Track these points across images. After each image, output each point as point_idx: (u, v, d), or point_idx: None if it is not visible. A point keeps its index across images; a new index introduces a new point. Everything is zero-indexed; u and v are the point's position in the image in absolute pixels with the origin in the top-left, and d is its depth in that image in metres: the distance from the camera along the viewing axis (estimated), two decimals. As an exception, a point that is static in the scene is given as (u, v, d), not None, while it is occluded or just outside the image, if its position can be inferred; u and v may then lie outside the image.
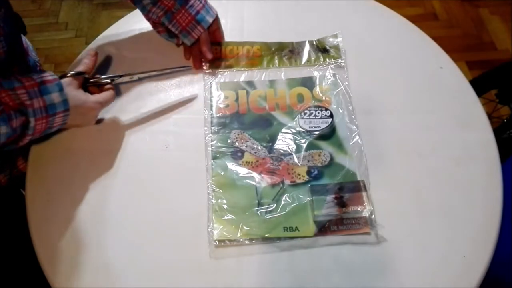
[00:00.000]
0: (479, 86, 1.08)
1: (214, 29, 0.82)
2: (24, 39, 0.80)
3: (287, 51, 0.84)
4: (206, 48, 0.79)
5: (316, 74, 0.81)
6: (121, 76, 0.76)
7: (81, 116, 0.70)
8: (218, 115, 0.76)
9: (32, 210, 0.66)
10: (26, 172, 0.70)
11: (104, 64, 0.82)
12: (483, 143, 0.73)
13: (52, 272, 0.61)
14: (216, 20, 0.81)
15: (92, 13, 2.04)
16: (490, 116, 0.81)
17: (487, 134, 0.74)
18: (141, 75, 0.78)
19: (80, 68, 0.73)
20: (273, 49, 0.84)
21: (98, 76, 0.76)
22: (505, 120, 1.22)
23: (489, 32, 1.93)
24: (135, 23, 0.84)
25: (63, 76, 0.69)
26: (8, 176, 0.75)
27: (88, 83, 0.73)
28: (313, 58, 0.83)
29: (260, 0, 0.93)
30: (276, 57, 0.83)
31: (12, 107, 0.59)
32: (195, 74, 0.81)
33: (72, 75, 0.70)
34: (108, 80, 0.75)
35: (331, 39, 0.85)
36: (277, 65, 0.82)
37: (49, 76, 0.63)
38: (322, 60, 0.83)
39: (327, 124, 0.72)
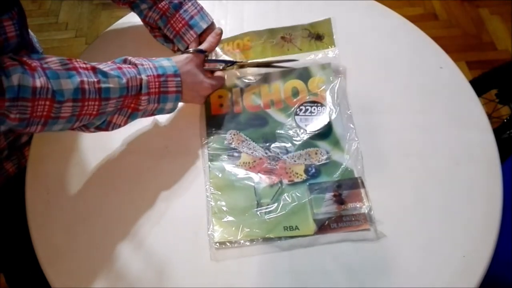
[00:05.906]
0: (479, 86, 1.08)
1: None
2: (29, 30, 0.80)
3: (279, 38, 0.81)
4: None
5: (310, 64, 0.79)
6: (233, 63, 0.77)
7: (195, 93, 0.73)
8: (213, 114, 0.75)
9: (32, 210, 0.66)
10: (26, 172, 0.69)
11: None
12: (483, 143, 0.73)
13: (52, 272, 0.61)
14: (212, 26, 0.80)
15: (92, 13, 2.04)
16: (490, 116, 0.81)
17: (487, 134, 0.74)
18: (249, 65, 0.79)
19: (204, 45, 0.75)
20: (264, 37, 0.81)
21: (214, 59, 0.78)
22: (505, 120, 1.22)
23: (489, 32, 1.92)
24: (135, 23, 0.84)
25: (186, 51, 0.73)
26: (16, 165, 0.76)
27: (206, 62, 0.76)
28: (306, 46, 0.80)
29: (260, 0, 0.93)
30: (268, 45, 0.81)
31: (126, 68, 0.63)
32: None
33: (194, 52, 0.72)
34: (220, 67, 0.77)
35: (322, 24, 0.81)
36: (269, 55, 0.80)
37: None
38: (315, 48, 0.80)
39: (323, 121, 0.72)
